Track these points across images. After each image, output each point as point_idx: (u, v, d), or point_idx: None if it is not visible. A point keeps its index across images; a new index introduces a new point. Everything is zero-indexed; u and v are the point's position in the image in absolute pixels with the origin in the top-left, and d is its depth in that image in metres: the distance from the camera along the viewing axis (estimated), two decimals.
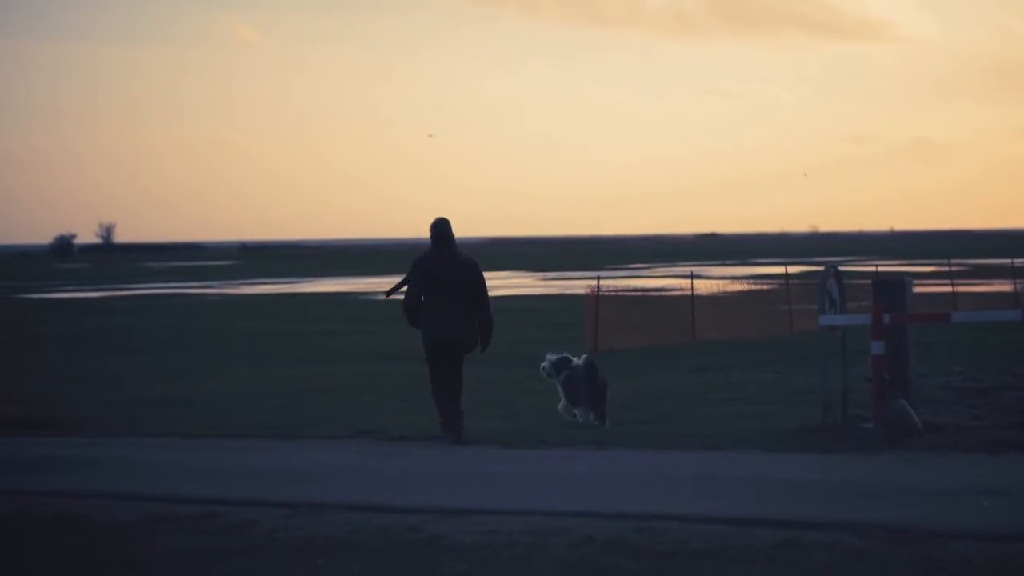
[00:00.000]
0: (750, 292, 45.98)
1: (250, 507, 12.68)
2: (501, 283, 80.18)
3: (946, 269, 62.80)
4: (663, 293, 43.88)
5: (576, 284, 74.82)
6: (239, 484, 14.10)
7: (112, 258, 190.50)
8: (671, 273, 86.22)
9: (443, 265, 16.81)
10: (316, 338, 36.89)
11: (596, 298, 33.95)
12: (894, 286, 17.28)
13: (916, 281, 18.82)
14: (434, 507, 12.45)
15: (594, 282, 35.57)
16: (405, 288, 17.16)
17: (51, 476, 15.19)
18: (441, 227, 16.98)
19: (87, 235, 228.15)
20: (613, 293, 36.95)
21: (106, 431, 19.45)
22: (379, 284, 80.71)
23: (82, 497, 13.68)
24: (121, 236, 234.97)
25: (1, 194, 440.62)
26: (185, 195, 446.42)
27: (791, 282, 41.93)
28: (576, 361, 19.21)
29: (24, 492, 14.20)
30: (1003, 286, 56.65)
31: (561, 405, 19.23)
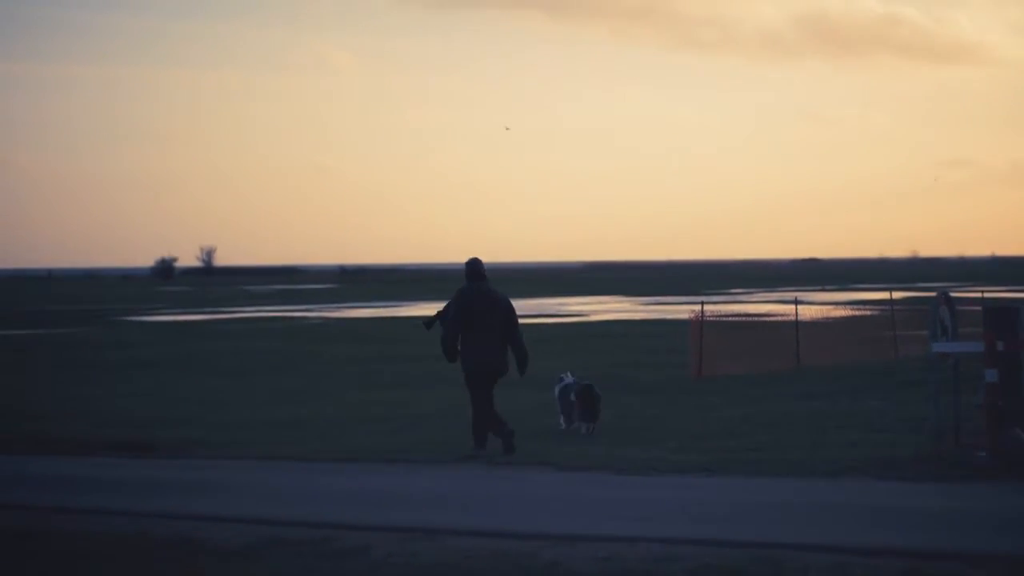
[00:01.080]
0: (853, 317, 45.57)
1: (365, 532, 12.72)
2: (599, 308, 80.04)
3: None
4: (766, 318, 43.57)
5: (675, 309, 74.56)
6: (352, 508, 14.15)
7: (212, 281, 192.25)
8: (773, 298, 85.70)
9: (481, 299, 18.53)
10: (418, 361, 36.93)
11: (700, 323, 33.77)
12: (1007, 313, 17.03)
13: None
14: (549, 533, 12.42)
15: (696, 307, 35.42)
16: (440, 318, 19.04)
17: (165, 498, 15.34)
18: (475, 265, 18.79)
19: (188, 258, 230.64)
20: (715, 318, 36.76)
21: (215, 454, 19.62)
22: None
23: (196, 519, 13.79)
24: (221, 259, 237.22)
25: (105, 218, 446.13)
26: (284, 219, 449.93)
27: (895, 307, 41.51)
28: (566, 379, 21.75)
29: (139, 514, 14.33)
30: None
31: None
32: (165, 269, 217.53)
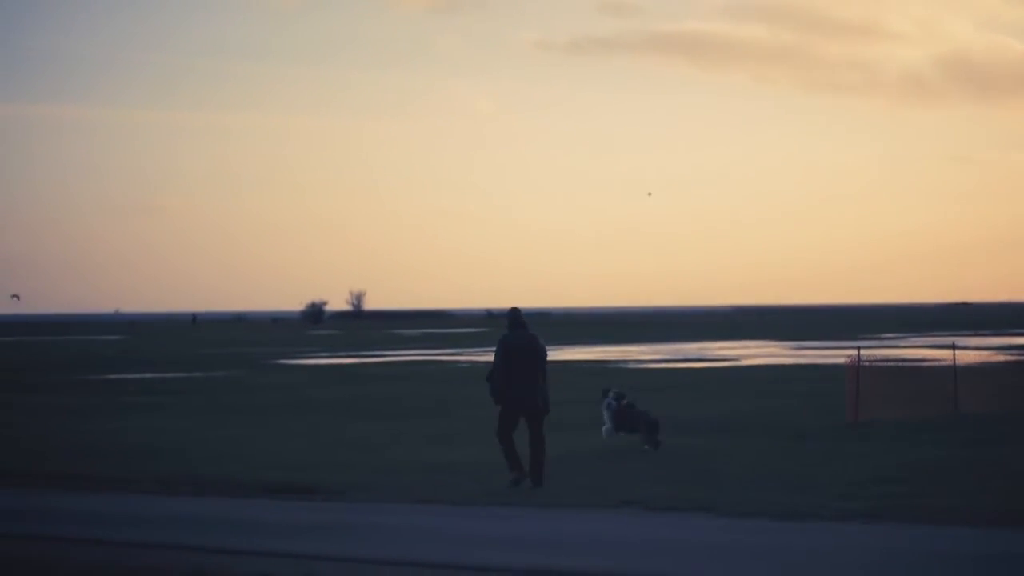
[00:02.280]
0: (1013, 363, 44.76)
1: (527, 575, 12.72)
2: (747, 352, 79.51)
3: None
4: (922, 363, 42.94)
5: (824, 353, 73.80)
6: (511, 552, 14.18)
7: (362, 324, 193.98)
8: (926, 343, 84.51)
9: (521, 345, 20.69)
10: (570, 406, 36.87)
11: (857, 367, 33.39)
12: None
13: None
14: None
15: (849, 351, 35.04)
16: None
17: (328, 541, 15.49)
18: (516, 315, 21.08)
19: (338, 302, 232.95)
20: (870, 363, 36.32)
21: (373, 497, 19.77)
22: (629, 352, 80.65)
23: (363, 563, 13.91)
24: (371, 303, 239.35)
25: (256, 262, 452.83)
26: (431, 263, 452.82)
27: None
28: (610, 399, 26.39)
29: (302, 556, 14.50)
30: None
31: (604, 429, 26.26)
32: (315, 313, 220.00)
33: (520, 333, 20.86)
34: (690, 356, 73.77)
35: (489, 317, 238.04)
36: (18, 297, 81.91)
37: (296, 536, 15.99)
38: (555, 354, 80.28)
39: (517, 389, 20.50)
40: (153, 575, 13.86)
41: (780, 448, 25.36)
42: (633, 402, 27.34)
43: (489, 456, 25.06)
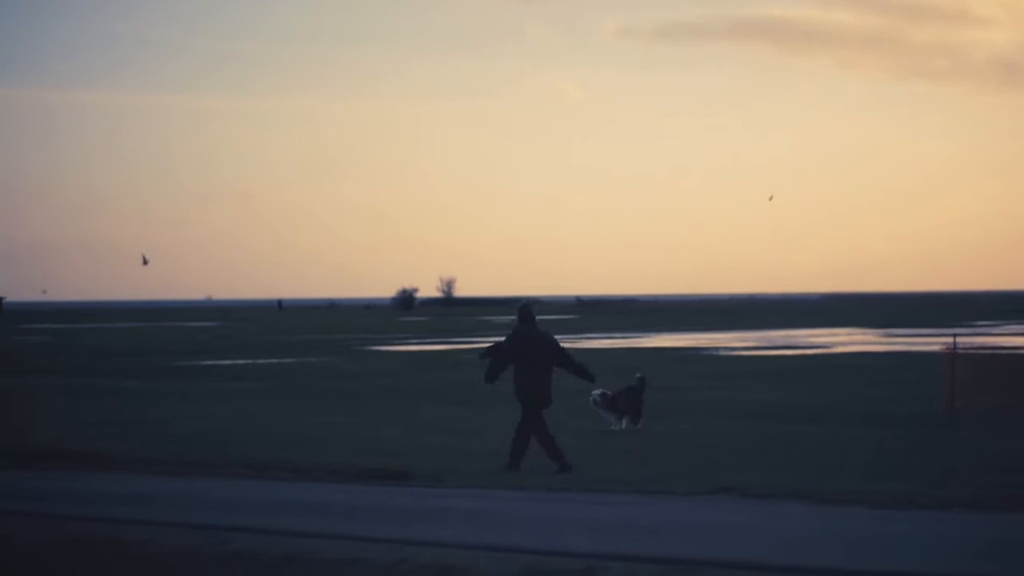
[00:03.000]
0: None
1: (626, 562, 12.72)
2: (841, 340, 78.90)
3: None
4: (1018, 351, 42.44)
5: (918, 341, 73.14)
6: (609, 538, 14.15)
7: (452, 311, 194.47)
8: (1022, 330, 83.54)
9: (533, 337, 21.53)
10: (662, 393, 36.80)
11: (953, 354, 33.07)
12: None
13: None
14: (808, 567, 12.26)
15: (943, 338, 34.71)
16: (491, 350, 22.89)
17: (425, 526, 15.52)
18: (526, 310, 22.02)
19: (429, 289, 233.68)
20: (966, 350, 35.93)
21: (469, 482, 19.82)
22: (716, 340, 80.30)
23: (458, 548, 13.93)
24: (461, 290, 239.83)
25: (348, 250, 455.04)
26: (521, 250, 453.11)
27: None
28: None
29: (399, 541, 14.53)
30: None
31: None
32: (406, 299, 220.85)
33: (529, 327, 21.76)
34: (781, 344, 73.34)
35: (578, 304, 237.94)
36: (146, 260, 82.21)
37: (390, 521, 16.04)
38: (644, 341, 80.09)
39: (530, 382, 21.50)
40: (247, 560, 13.94)
41: (874, 435, 25.16)
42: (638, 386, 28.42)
43: (583, 442, 25.06)
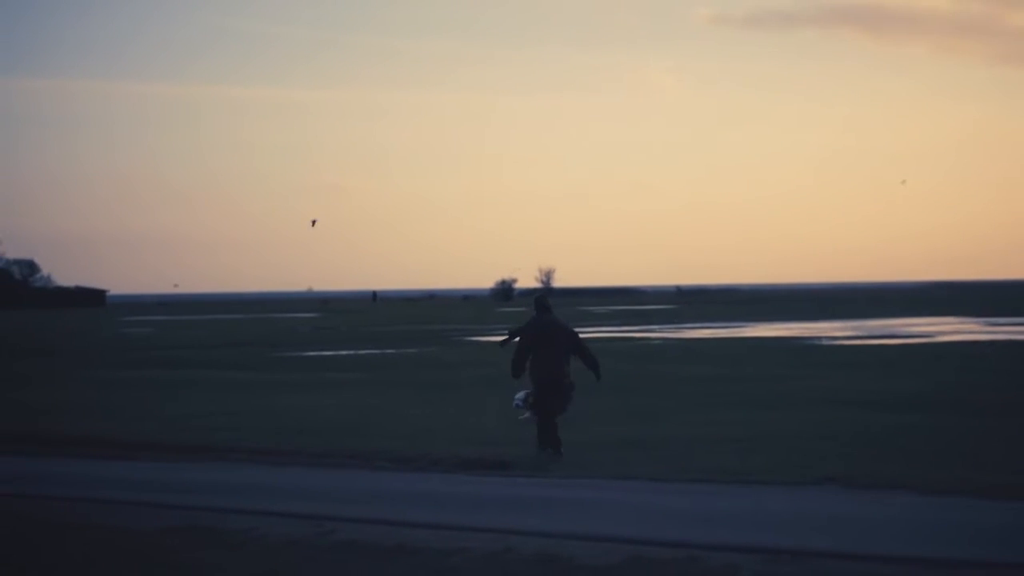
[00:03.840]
0: None
1: (729, 552, 12.66)
2: (943, 328, 78.02)
3: None
4: None
5: (1022, 331, 72.15)
6: (713, 528, 14.10)
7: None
8: None
9: (548, 327, 22.26)
10: (764, 383, 36.62)
11: None
12: None
13: None
14: (916, 557, 12.14)
15: None
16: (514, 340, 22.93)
17: (525, 515, 15.54)
18: (542, 300, 22.98)
19: (528, 280, 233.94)
20: None
21: (570, 472, 19.80)
22: (818, 329, 79.70)
23: (560, 537, 13.93)
24: (560, 281, 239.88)
25: (447, 240, 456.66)
26: (620, 240, 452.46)
27: None
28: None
29: (501, 531, 14.56)
30: None
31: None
32: (506, 290, 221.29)
33: (545, 317, 22.48)
34: (882, 332, 72.68)
35: (678, 294, 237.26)
36: (314, 222, 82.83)
37: (493, 511, 16.07)
38: (745, 331, 79.67)
39: (545, 368, 22.09)
40: (353, 549, 14.03)
41: (980, 425, 24.85)
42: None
43: (688, 431, 24.97)
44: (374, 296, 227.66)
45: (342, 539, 14.55)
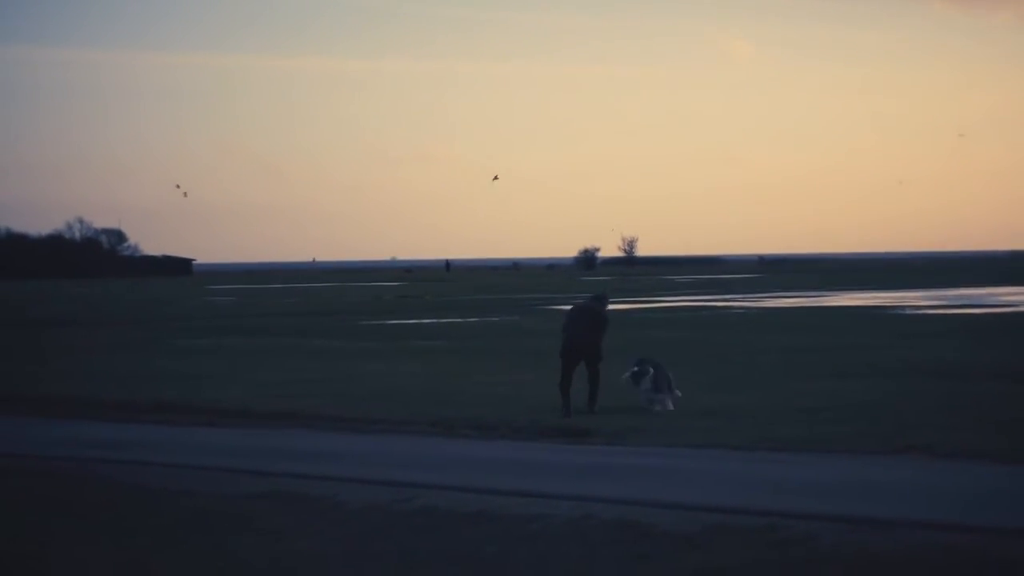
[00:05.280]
0: None
1: (810, 520, 12.64)
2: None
3: None
4: None
5: None
6: (794, 497, 14.08)
7: (634, 271, 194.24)
8: None
9: (584, 308, 25.17)
10: (847, 352, 36.40)
11: None
12: None
13: None
14: (1000, 527, 12.07)
15: None
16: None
17: (605, 483, 15.59)
18: (599, 294, 26.15)
19: (610, 249, 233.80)
20: None
21: (651, 440, 19.82)
22: (903, 298, 79.08)
23: (640, 505, 13.97)
24: (643, 250, 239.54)
25: (531, 211, 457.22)
26: (702, 209, 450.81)
27: None
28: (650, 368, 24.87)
29: (582, 498, 14.62)
30: None
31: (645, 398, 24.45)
32: (588, 259, 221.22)
33: (588, 303, 25.44)
34: (969, 301, 71.97)
35: (761, 263, 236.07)
36: (495, 178, 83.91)
37: (574, 478, 16.13)
38: (828, 299, 79.14)
39: (572, 337, 24.55)
40: (433, 515, 14.14)
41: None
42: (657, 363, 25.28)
43: (769, 400, 24.89)
44: (447, 265, 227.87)
45: (422, 505, 14.67)
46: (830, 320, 55.49)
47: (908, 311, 62.71)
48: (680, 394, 24.69)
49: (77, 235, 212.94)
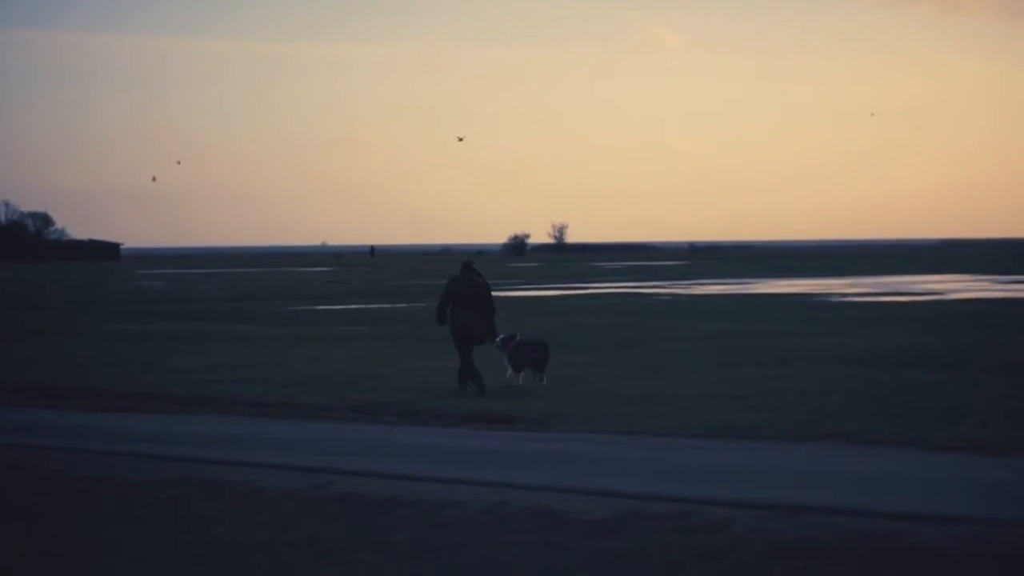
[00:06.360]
0: None
1: (724, 507, 12.66)
2: (957, 286, 77.88)
3: None
4: None
5: None
6: (710, 484, 14.10)
7: (563, 257, 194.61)
8: None
9: (463, 285, 25.10)
10: (772, 339, 36.56)
11: None
12: None
13: None
14: (912, 513, 12.13)
15: None
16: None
17: (525, 470, 15.56)
18: (470, 263, 25.67)
19: (540, 235, 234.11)
20: None
21: (572, 427, 19.81)
22: (829, 286, 79.61)
23: (556, 491, 13.95)
24: (572, 237, 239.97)
25: (460, 197, 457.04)
26: (631, 197, 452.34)
27: None
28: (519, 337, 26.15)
29: (499, 484, 14.59)
30: None
31: (508, 375, 25.89)
32: (518, 245, 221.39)
33: (465, 275, 25.17)
34: (895, 290, 72.53)
35: (691, 251, 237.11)
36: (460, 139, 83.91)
37: (491, 464, 16.09)
38: (756, 287, 79.57)
39: (460, 321, 24.90)
40: (348, 501, 14.08)
41: (984, 382, 24.80)
42: (518, 336, 26.55)
43: (693, 387, 24.95)
44: (372, 251, 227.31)
45: (339, 491, 14.59)
46: (756, 308, 55.76)
47: (834, 299, 63.12)
48: (545, 381, 25.63)
49: (3, 219, 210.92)
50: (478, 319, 25.03)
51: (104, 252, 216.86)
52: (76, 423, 21.78)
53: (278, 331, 43.45)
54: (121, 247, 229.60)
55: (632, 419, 20.35)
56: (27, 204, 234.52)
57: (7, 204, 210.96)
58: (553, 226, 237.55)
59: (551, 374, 26.22)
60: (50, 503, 14.62)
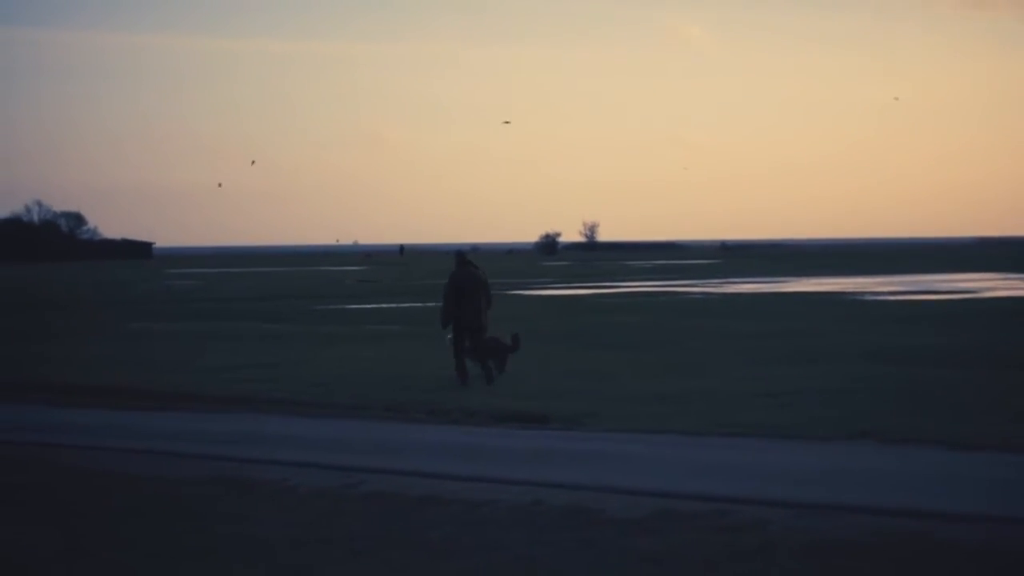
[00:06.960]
0: None
1: (760, 506, 12.58)
2: (988, 284, 77.52)
3: None
4: None
5: None
6: (747, 482, 14.02)
7: (595, 256, 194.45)
8: None
9: (466, 279, 25.56)
10: (803, 338, 36.41)
11: None
12: None
13: None
14: (939, 512, 12.04)
15: None
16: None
17: (557, 469, 15.50)
18: (463, 255, 26.29)
19: (571, 234, 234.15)
20: None
21: (607, 426, 19.74)
22: (862, 284, 79.30)
23: (591, 490, 13.89)
24: (604, 235, 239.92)
25: (491, 196, 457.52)
26: (664, 195, 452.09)
27: None
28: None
29: (532, 483, 14.53)
30: None
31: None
32: (549, 244, 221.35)
33: (465, 270, 25.67)
34: (929, 288, 72.21)
35: (723, 249, 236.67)
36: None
37: (525, 463, 16.03)
38: (788, 285, 79.29)
39: (466, 314, 25.43)
40: (381, 500, 14.03)
41: (1017, 380, 24.63)
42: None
43: (725, 386, 24.84)
44: (401, 250, 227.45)
45: (370, 490, 14.55)
46: (790, 306, 55.55)
47: (868, 297, 62.88)
48: (497, 373, 25.85)
49: (36, 218, 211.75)
50: (485, 309, 25.79)
51: (137, 251, 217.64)
52: (108, 422, 21.79)
53: (308, 330, 43.46)
54: (153, 246, 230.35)
55: (665, 418, 20.27)
56: (60, 204, 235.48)
57: (40, 204, 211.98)
58: (584, 224, 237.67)
59: (579, 371, 26.13)
60: (79, 500, 14.62)
